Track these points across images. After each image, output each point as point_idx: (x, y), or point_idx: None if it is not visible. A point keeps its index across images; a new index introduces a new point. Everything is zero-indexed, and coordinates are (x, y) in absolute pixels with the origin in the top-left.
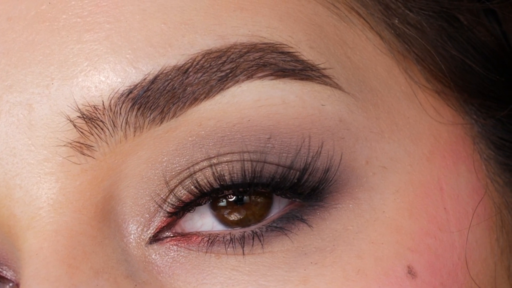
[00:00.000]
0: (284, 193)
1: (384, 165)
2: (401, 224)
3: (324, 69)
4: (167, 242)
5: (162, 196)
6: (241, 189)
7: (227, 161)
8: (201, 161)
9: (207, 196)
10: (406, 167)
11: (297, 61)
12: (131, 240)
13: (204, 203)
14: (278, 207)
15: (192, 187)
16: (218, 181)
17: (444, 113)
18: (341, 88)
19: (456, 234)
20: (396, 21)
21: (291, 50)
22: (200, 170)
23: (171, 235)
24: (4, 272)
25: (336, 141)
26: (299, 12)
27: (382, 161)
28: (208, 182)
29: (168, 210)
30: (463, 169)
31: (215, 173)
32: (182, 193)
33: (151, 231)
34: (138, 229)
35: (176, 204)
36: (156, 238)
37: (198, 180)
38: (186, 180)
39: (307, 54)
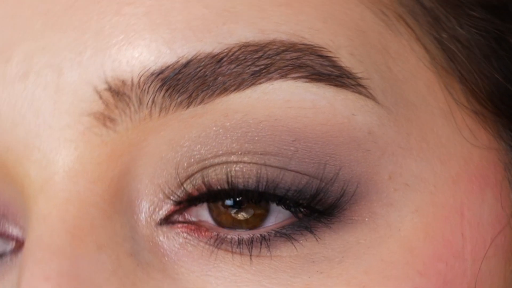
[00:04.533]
0: (300, 210)
1: (407, 182)
2: (415, 245)
3: (360, 78)
4: (178, 227)
5: (178, 180)
6: (250, 196)
7: (245, 162)
8: (220, 155)
9: (214, 197)
10: (429, 187)
11: (334, 66)
12: (142, 218)
13: (207, 202)
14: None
15: (200, 182)
16: (230, 184)
17: (480, 136)
18: (376, 99)
19: (469, 262)
20: (445, 35)
21: (330, 55)
22: (218, 164)
23: (183, 221)
24: (10, 229)
25: (361, 152)
26: (345, 15)
27: (405, 178)
28: (219, 182)
29: (174, 199)
30: (489, 195)
31: (229, 174)
32: (190, 187)
33: (163, 213)
34: (151, 208)
35: (183, 196)
36: (167, 221)
37: (210, 177)
38: (197, 174)
39: (346, 60)
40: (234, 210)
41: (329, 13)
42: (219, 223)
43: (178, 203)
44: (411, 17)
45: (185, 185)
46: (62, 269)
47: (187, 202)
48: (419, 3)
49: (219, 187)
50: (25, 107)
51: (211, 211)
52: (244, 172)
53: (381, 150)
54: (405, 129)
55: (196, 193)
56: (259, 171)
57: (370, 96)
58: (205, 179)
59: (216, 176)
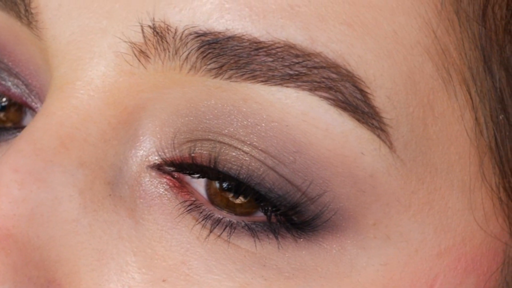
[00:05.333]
0: (276, 215)
1: (390, 235)
2: None
3: (386, 124)
4: (165, 177)
5: (181, 138)
6: (233, 183)
7: (245, 151)
8: (225, 134)
9: (201, 172)
10: (410, 249)
11: (365, 103)
12: (138, 155)
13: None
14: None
15: (190, 152)
16: (222, 165)
17: (493, 223)
18: (392, 149)
19: None
20: (502, 117)
21: (366, 90)
22: (218, 142)
23: (173, 175)
24: (30, 100)
25: (354, 190)
26: (403, 59)
27: (390, 231)
28: (205, 158)
29: (168, 156)
30: (470, 281)
31: (221, 156)
32: (186, 151)
33: (159, 159)
34: (151, 150)
35: (173, 157)
36: (159, 168)
37: (203, 149)
38: (197, 142)
39: (380, 101)
40: (231, 195)
41: (387, 51)
42: (212, 201)
43: (168, 162)
44: (476, 86)
45: (184, 147)
46: (33, 168)
47: (174, 165)
48: (491, 77)
49: (203, 163)
50: (84, 10)
51: (207, 188)
52: (238, 159)
53: (376, 196)
54: (412, 187)
55: (180, 160)
56: (251, 164)
57: (387, 143)
58: (197, 150)
59: (204, 152)
